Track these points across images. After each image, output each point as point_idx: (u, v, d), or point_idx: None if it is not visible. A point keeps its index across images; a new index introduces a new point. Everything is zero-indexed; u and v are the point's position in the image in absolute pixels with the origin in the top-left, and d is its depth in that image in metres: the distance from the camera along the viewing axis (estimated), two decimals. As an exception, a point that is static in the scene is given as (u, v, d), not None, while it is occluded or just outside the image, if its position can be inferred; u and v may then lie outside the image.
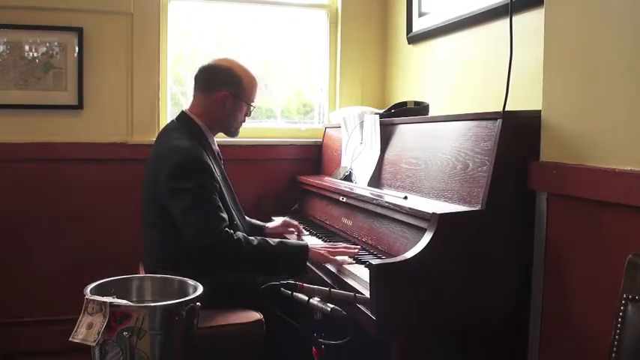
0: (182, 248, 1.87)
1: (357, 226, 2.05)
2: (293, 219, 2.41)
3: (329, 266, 1.82)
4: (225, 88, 2.01)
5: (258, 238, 1.87)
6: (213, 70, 2.05)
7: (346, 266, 1.75)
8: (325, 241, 2.09)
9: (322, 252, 1.84)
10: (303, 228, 2.31)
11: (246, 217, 2.25)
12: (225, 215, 1.87)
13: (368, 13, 3.02)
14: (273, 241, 1.87)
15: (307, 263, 1.88)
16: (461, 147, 1.70)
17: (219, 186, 1.96)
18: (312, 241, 2.09)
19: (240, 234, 1.84)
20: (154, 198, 1.93)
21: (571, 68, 1.46)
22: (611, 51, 1.34)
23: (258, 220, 2.37)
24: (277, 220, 2.36)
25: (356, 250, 1.86)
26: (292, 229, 2.29)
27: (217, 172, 2.03)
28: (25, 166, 2.57)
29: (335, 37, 3.03)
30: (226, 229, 1.82)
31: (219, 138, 2.18)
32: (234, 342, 1.78)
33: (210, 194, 1.86)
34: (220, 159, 2.15)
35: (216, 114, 2.04)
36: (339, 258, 1.82)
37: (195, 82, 2.08)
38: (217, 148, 2.15)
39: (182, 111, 2.08)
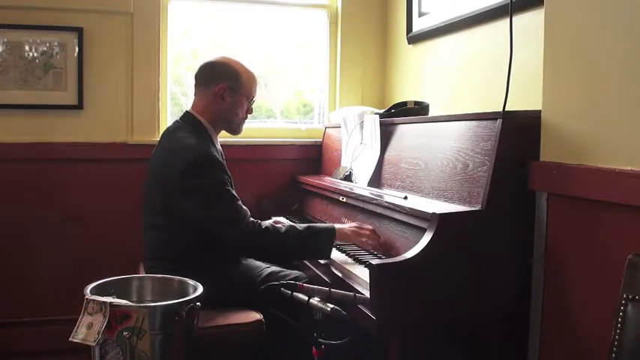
0: (183, 248, 1.87)
1: (357, 226, 2.05)
2: (293, 219, 2.43)
3: (329, 266, 1.82)
4: (223, 81, 2.02)
5: (286, 225, 1.90)
6: (211, 66, 2.08)
7: (346, 266, 1.75)
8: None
9: (349, 233, 1.87)
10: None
11: None
12: (245, 207, 1.89)
13: (368, 13, 3.02)
14: (300, 226, 1.88)
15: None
16: (461, 147, 1.70)
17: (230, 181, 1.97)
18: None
19: (267, 222, 1.88)
20: (163, 199, 1.91)
21: (571, 68, 1.46)
22: (610, 51, 1.34)
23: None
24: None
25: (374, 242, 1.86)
26: None
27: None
28: (25, 166, 2.57)
29: (335, 37, 3.03)
30: (252, 219, 1.85)
31: (220, 137, 2.17)
32: (234, 342, 1.78)
33: (228, 188, 1.88)
34: (224, 159, 2.15)
35: (217, 109, 2.04)
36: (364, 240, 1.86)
37: (195, 80, 2.09)
38: (220, 147, 2.15)
39: (186, 111, 2.09)
